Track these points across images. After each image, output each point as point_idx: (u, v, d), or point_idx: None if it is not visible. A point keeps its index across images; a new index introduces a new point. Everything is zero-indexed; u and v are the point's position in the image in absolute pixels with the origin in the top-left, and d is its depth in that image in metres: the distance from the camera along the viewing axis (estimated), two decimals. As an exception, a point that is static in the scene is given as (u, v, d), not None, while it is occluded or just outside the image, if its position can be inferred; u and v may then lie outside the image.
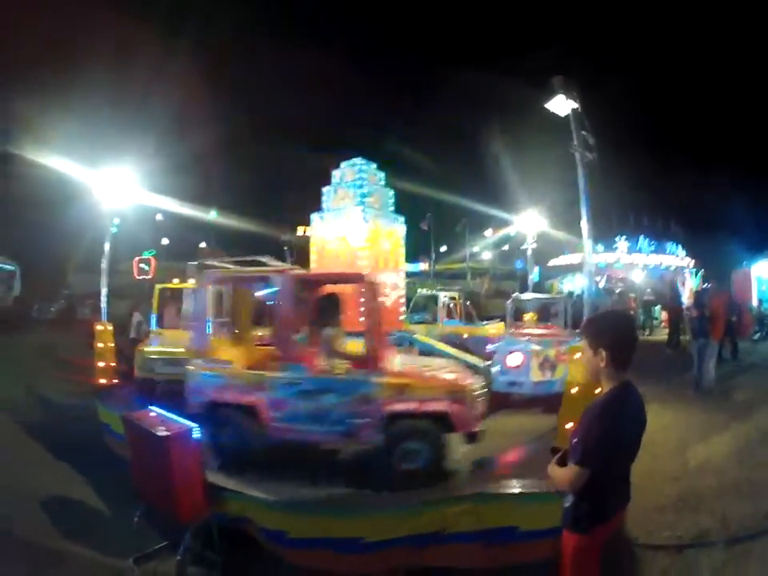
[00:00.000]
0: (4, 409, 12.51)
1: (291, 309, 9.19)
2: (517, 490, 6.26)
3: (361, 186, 14.14)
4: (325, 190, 15.19)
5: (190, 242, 53.67)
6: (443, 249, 58.34)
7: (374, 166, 15.11)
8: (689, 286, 43.89)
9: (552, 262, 54.52)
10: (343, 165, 15.04)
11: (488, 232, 54.59)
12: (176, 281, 13.99)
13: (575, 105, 9.02)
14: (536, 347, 12.40)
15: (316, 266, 15.02)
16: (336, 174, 15.14)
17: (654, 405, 11.96)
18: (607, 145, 9.06)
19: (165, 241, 49.92)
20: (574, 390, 8.45)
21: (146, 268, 22.56)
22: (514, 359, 11.97)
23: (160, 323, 15.32)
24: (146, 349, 13.96)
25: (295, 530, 6.04)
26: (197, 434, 6.06)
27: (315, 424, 8.75)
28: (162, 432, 5.85)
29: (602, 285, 38.64)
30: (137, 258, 21.45)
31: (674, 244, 54.87)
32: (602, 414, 3.81)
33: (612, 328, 4.06)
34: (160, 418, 6.30)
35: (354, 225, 13.83)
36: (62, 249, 48.36)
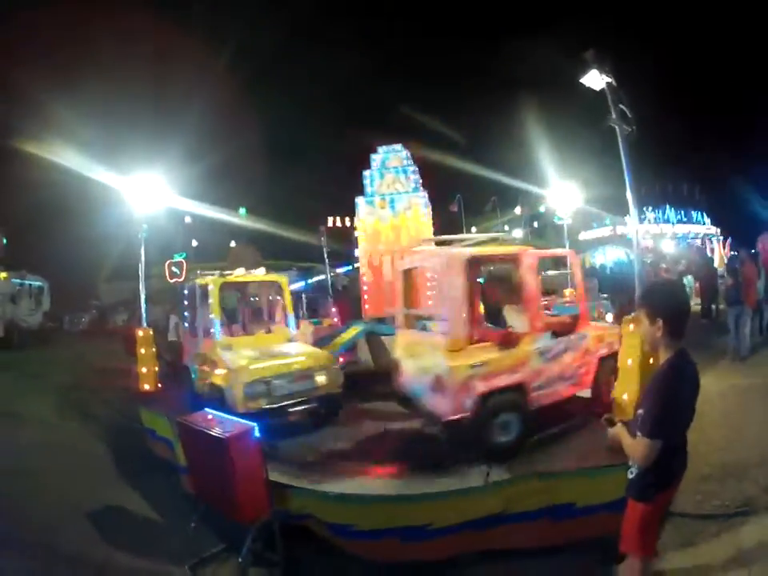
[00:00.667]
0: (46, 421, 12.70)
1: (536, 284, 9.20)
2: (574, 467, 6.35)
3: (413, 172, 14.49)
4: (367, 173, 15.27)
5: (219, 243, 53.68)
6: (473, 230, 57.95)
7: (399, 146, 15.33)
8: (717, 254, 43.56)
9: (582, 236, 54.29)
10: (382, 150, 15.16)
11: (517, 210, 54.16)
12: (240, 271, 12.11)
13: (609, 79, 8.96)
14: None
15: (367, 248, 15.09)
16: (376, 159, 15.24)
17: None
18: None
19: (194, 243, 49.93)
20: (629, 362, 8.41)
21: (178, 271, 22.61)
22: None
23: (228, 329, 12.32)
24: (251, 367, 9.97)
25: (362, 522, 6.07)
26: (257, 433, 6.07)
27: (559, 383, 9.04)
28: (222, 433, 5.90)
29: (632, 256, 38.39)
30: (168, 262, 21.46)
31: (700, 212, 54.63)
32: (665, 384, 3.89)
33: (669, 298, 4.11)
34: (218, 420, 6.36)
35: (412, 208, 14.05)
36: (90, 259, 48.55)
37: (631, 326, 8.47)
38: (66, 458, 10.06)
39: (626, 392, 8.31)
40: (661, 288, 4.61)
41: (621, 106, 9.09)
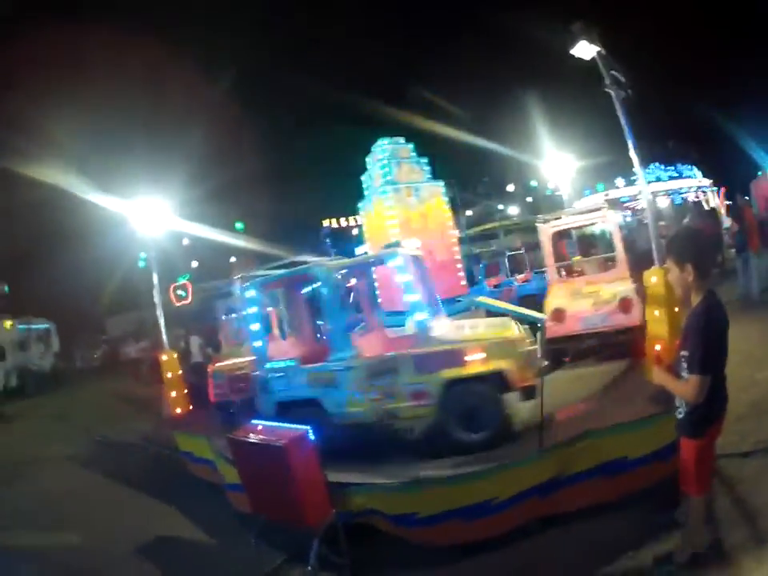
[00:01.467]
0: (79, 462, 12.63)
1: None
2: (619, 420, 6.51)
3: (424, 162, 14.59)
4: (364, 176, 15.38)
5: (219, 260, 53.72)
6: (468, 213, 57.92)
7: (401, 139, 15.33)
8: (714, 204, 43.60)
9: (575, 205, 54.38)
10: (387, 141, 15.21)
11: (510, 187, 54.26)
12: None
13: (598, 47, 9.04)
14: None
15: (370, 242, 15.15)
16: (387, 150, 15.26)
17: None
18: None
19: (194, 264, 50.04)
20: (656, 313, 8.51)
21: (183, 294, 22.60)
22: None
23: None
24: None
25: (424, 509, 6.14)
26: (311, 436, 6.12)
27: None
28: (278, 441, 5.93)
29: (629, 219, 38.49)
30: (173, 286, 21.48)
31: (690, 166, 54.61)
32: (707, 322, 4.16)
33: (695, 243, 4.41)
34: (269, 429, 6.40)
35: (434, 197, 14.17)
36: (91, 294, 48.68)
37: (653, 278, 8.55)
38: (106, 498, 10.09)
39: (658, 343, 8.40)
40: (684, 235, 4.87)
41: (613, 72, 9.14)
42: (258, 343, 9.93)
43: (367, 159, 15.39)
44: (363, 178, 15.44)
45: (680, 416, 4.42)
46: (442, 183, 15.01)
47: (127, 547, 7.57)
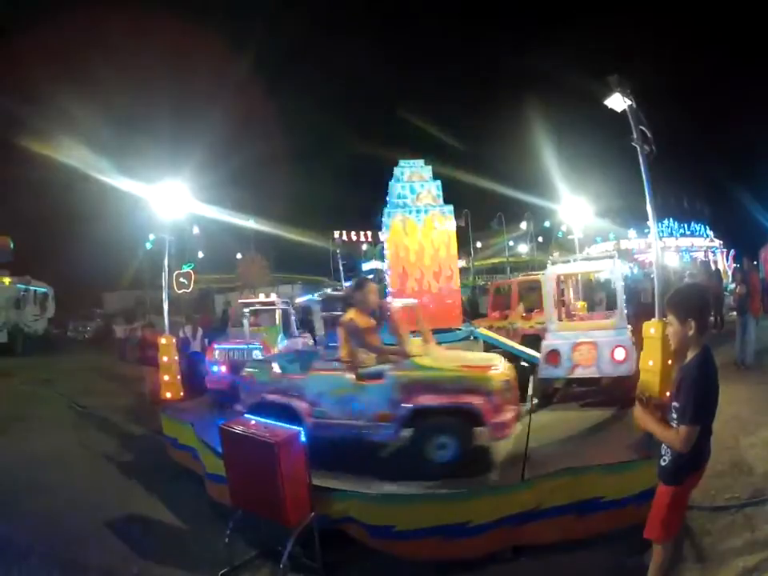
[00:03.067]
0: (62, 428, 12.89)
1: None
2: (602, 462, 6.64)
3: (410, 185, 14.49)
4: (398, 186, 15.43)
5: (225, 254, 53.82)
6: (478, 245, 57.98)
7: (421, 162, 15.38)
8: (721, 266, 43.74)
9: (586, 251, 54.49)
10: (407, 164, 15.24)
11: (523, 225, 54.32)
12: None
13: (630, 101, 9.18)
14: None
15: (392, 265, 15.22)
16: (406, 172, 15.31)
17: None
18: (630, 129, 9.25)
19: (200, 254, 50.11)
20: (650, 363, 8.65)
21: (186, 282, 22.66)
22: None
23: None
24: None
25: (404, 522, 6.25)
26: (302, 437, 6.24)
27: None
28: (270, 438, 6.02)
29: (635, 270, 38.61)
30: (176, 272, 21.53)
31: (702, 225, 54.85)
32: (701, 374, 4.29)
33: (696, 299, 4.56)
34: (262, 425, 6.48)
35: (403, 224, 14.08)
36: (94, 267, 48.74)
37: (652, 330, 8.73)
38: (87, 469, 10.19)
39: (646, 392, 8.50)
40: (687, 291, 4.96)
41: (641, 127, 9.27)
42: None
43: (396, 171, 15.44)
44: (390, 189, 15.53)
45: (663, 463, 4.55)
46: (449, 207, 15.07)
47: (99, 522, 7.65)
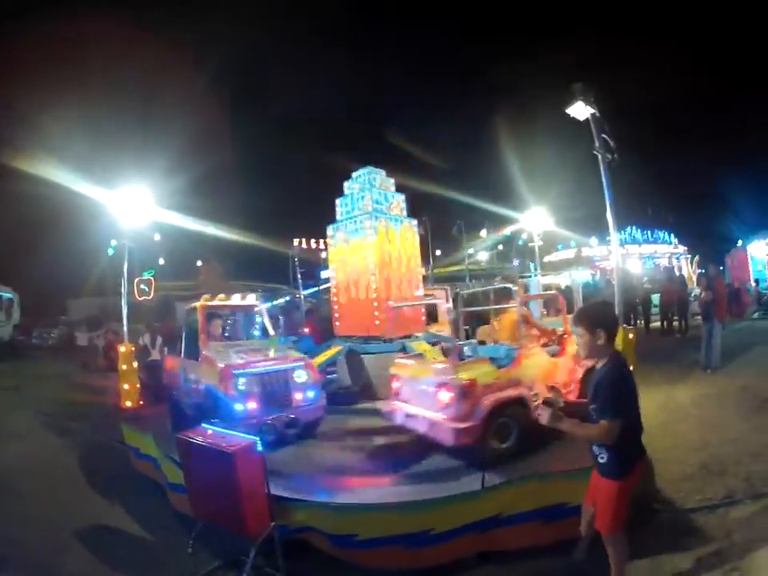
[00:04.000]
0: (28, 436, 12.73)
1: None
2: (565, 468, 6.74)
3: (369, 194, 14.31)
4: (339, 200, 15.28)
5: (186, 262, 53.65)
6: (438, 253, 58.09)
7: (383, 173, 15.23)
8: (686, 272, 44.18)
9: (547, 259, 54.67)
10: (354, 175, 15.13)
11: (482, 233, 54.45)
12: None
13: (593, 110, 9.21)
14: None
15: (336, 274, 15.13)
16: (347, 185, 15.23)
17: (668, 386, 12.94)
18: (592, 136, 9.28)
19: (161, 261, 49.86)
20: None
21: (147, 289, 22.49)
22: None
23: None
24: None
25: (364, 531, 6.17)
26: (259, 447, 6.13)
27: None
28: (227, 447, 5.95)
29: (597, 277, 38.85)
30: (137, 279, 21.34)
31: (666, 232, 55.35)
32: (615, 375, 4.75)
33: (605, 312, 5.12)
34: (219, 435, 6.41)
35: (367, 232, 13.94)
36: (59, 274, 48.47)
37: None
38: (54, 477, 10.01)
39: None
40: (595, 306, 5.57)
41: (603, 135, 9.30)
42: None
43: (345, 185, 15.32)
44: (338, 201, 15.35)
45: (602, 461, 4.85)
46: (415, 221, 15.01)
47: (62, 532, 7.53)
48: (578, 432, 4.80)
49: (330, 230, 15.50)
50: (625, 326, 8.63)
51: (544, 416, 4.71)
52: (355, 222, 14.47)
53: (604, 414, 4.59)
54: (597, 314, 5.02)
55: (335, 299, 15.30)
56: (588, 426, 4.76)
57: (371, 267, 13.84)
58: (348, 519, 6.37)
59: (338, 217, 15.30)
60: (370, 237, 13.87)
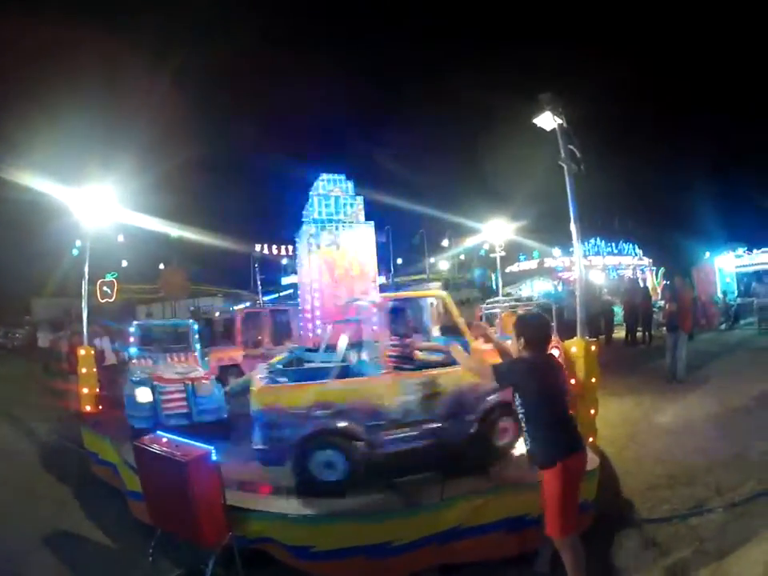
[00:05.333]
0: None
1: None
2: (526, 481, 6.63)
3: (327, 198, 14.30)
4: (307, 205, 15.31)
5: (148, 265, 53.45)
6: (399, 261, 58.29)
7: (342, 177, 15.26)
8: (650, 284, 44.53)
9: (509, 269, 54.93)
10: (317, 180, 15.17)
11: (444, 242, 54.62)
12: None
13: (561, 120, 9.17)
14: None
15: (302, 278, 15.10)
16: (319, 187, 15.27)
17: (633, 397, 12.94)
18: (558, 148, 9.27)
19: (124, 263, 49.65)
20: (572, 381, 8.63)
21: (109, 291, 22.33)
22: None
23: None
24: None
25: (322, 543, 6.11)
26: (214, 456, 6.03)
27: None
28: (181, 457, 5.84)
29: (560, 288, 39.05)
30: (100, 282, 21.16)
31: (631, 244, 55.81)
32: (517, 359, 5.46)
33: (531, 323, 5.54)
34: (174, 443, 6.27)
35: (328, 237, 13.94)
36: (23, 274, 48.16)
37: (573, 348, 8.65)
38: (16, 482, 9.89)
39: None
40: (523, 318, 5.84)
41: (570, 146, 9.27)
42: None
43: (311, 193, 15.35)
44: (305, 211, 15.39)
45: (529, 447, 5.12)
46: (371, 225, 15.02)
47: (22, 538, 7.44)
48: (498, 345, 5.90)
49: (296, 237, 15.53)
50: (587, 337, 8.52)
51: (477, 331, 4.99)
52: (311, 228, 14.48)
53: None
54: (521, 324, 5.50)
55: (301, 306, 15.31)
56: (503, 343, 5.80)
57: (317, 274, 13.88)
58: (305, 530, 6.30)
59: (304, 222, 15.33)
60: (322, 243, 13.87)
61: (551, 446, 4.99)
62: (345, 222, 14.57)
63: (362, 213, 15.12)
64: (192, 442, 6.30)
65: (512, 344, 5.63)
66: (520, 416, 5.22)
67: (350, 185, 15.30)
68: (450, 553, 6.23)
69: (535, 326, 5.51)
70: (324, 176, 15.52)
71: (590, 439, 7.89)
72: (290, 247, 54.82)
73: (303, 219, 15.44)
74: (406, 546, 6.06)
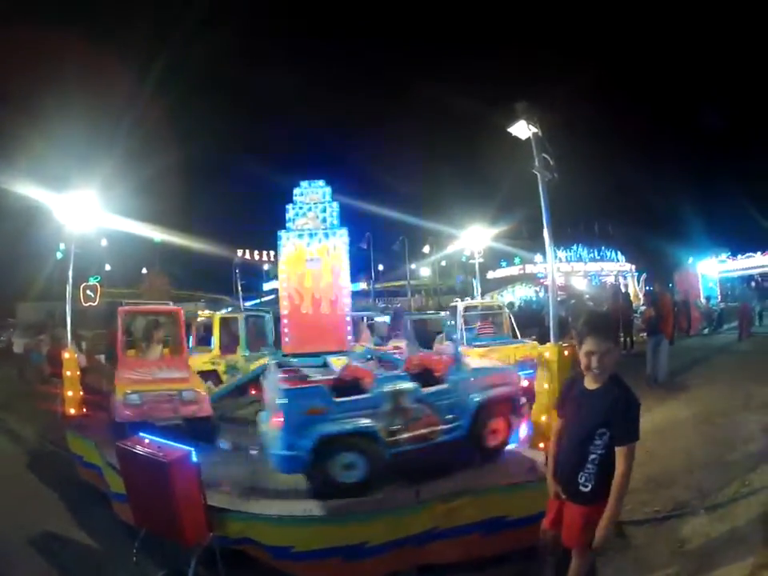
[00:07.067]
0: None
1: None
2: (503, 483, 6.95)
3: (309, 209, 14.33)
4: (290, 207, 15.31)
5: (131, 269, 53.38)
6: (380, 268, 58.29)
7: (321, 182, 15.30)
8: (632, 290, 44.67)
9: (490, 275, 55.14)
10: (304, 185, 15.20)
11: (425, 248, 54.71)
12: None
13: (536, 129, 9.27)
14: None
15: (286, 285, 15.10)
16: (298, 193, 15.28)
17: None
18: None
19: (107, 267, 49.58)
20: (545, 386, 8.70)
21: (92, 295, 22.27)
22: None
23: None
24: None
25: (301, 543, 6.15)
26: (195, 457, 6.10)
27: None
28: (162, 458, 5.89)
29: (541, 294, 39.19)
30: (83, 285, 21.12)
31: (614, 251, 56.02)
32: (628, 395, 4.57)
33: (612, 325, 4.96)
34: (156, 444, 6.30)
35: (306, 243, 13.99)
36: (8, 277, 48.03)
37: (547, 354, 8.83)
38: (1, 484, 9.83)
39: (543, 414, 8.72)
40: (607, 316, 5.04)
41: (544, 155, 9.36)
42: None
43: (294, 199, 15.35)
44: (287, 215, 15.40)
45: (586, 489, 4.57)
46: (345, 231, 15.04)
47: (7, 540, 7.42)
48: (620, 496, 4.42)
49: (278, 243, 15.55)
50: (561, 342, 8.65)
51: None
52: (288, 235, 14.50)
53: (626, 436, 4.43)
54: (611, 327, 4.88)
55: (285, 312, 15.31)
56: (616, 483, 4.39)
57: (288, 282, 13.90)
58: (285, 531, 6.37)
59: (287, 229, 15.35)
60: (281, 254, 13.91)
61: (610, 479, 4.43)
62: (320, 230, 14.60)
63: (337, 219, 15.15)
64: (173, 443, 6.34)
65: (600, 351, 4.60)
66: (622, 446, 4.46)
67: (328, 190, 15.31)
68: (427, 554, 6.28)
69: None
70: (303, 183, 15.49)
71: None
72: (272, 253, 55.16)
73: (287, 226, 15.46)
74: (381, 547, 6.11)
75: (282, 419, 8.01)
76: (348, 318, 15.18)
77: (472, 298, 24.43)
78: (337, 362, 11.70)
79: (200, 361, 14.95)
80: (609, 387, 4.60)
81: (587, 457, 4.53)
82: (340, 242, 14.78)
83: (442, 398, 9.04)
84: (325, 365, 12.29)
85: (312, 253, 14.24)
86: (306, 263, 14.09)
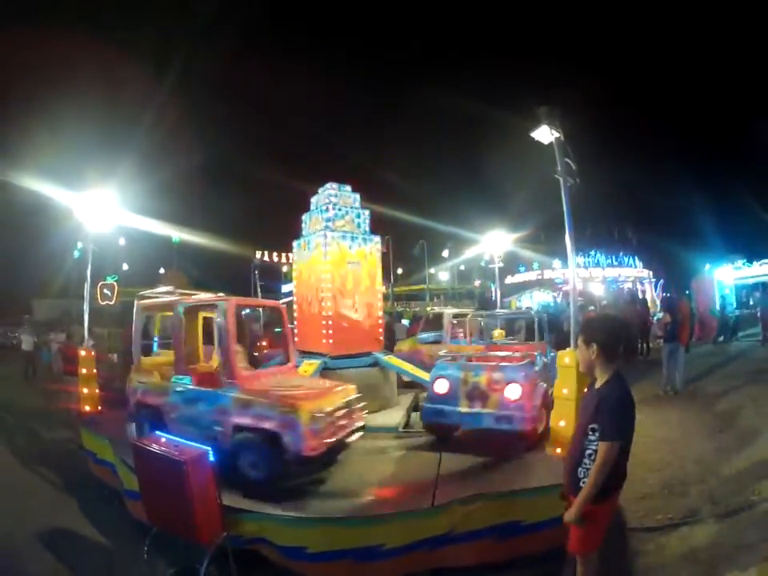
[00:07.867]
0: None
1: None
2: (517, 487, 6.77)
3: (326, 211, 14.22)
4: (304, 216, 15.22)
5: (149, 268, 53.43)
6: (399, 271, 58.17)
7: (348, 188, 15.14)
8: (649, 296, 44.47)
9: (508, 280, 54.92)
10: (320, 191, 15.09)
11: (445, 253, 54.50)
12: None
13: (558, 134, 9.22)
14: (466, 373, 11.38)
15: (296, 290, 15.06)
16: (314, 200, 15.18)
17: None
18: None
19: (125, 266, 49.66)
20: (564, 391, 8.65)
21: (109, 294, 22.32)
22: (441, 386, 11.05)
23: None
24: None
25: (315, 544, 6.18)
26: (210, 456, 6.13)
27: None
28: (179, 456, 5.92)
29: (559, 299, 39.06)
30: (101, 284, 21.16)
31: (631, 257, 55.73)
32: (617, 395, 4.56)
33: (603, 326, 4.84)
34: (172, 443, 6.35)
35: (318, 249, 13.92)
36: (26, 275, 48.24)
37: (566, 359, 8.76)
38: (13, 480, 10.03)
39: (562, 419, 8.61)
40: (596, 318, 5.53)
41: (567, 160, 9.30)
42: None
43: (312, 200, 15.23)
44: (303, 217, 15.25)
45: (584, 485, 4.57)
46: (378, 239, 14.93)
47: (20, 536, 7.52)
48: (594, 483, 4.45)
49: (294, 245, 15.41)
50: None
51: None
52: (312, 238, 14.41)
53: (605, 435, 4.43)
54: (594, 327, 4.86)
55: (296, 314, 15.23)
56: (591, 472, 4.48)
57: (323, 285, 13.79)
58: (299, 532, 6.38)
59: (303, 232, 15.23)
60: (325, 254, 13.79)
61: (610, 482, 4.53)
62: (359, 235, 14.52)
63: (367, 225, 15.05)
64: (189, 443, 6.38)
65: (579, 352, 4.91)
66: (591, 446, 4.62)
67: (358, 197, 15.19)
68: (441, 558, 6.27)
69: (613, 330, 4.86)
70: (331, 185, 15.16)
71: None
72: (291, 255, 54.33)
73: (303, 230, 15.32)
74: (395, 550, 6.11)
75: None
76: (380, 321, 14.93)
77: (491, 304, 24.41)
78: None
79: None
80: (609, 385, 4.69)
81: (584, 452, 4.64)
82: (374, 248, 14.69)
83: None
84: (375, 364, 12.75)
85: (353, 256, 14.10)
86: (347, 265, 13.97)
